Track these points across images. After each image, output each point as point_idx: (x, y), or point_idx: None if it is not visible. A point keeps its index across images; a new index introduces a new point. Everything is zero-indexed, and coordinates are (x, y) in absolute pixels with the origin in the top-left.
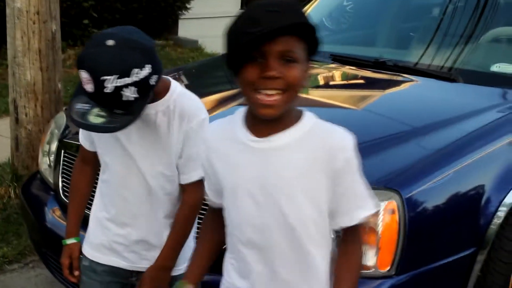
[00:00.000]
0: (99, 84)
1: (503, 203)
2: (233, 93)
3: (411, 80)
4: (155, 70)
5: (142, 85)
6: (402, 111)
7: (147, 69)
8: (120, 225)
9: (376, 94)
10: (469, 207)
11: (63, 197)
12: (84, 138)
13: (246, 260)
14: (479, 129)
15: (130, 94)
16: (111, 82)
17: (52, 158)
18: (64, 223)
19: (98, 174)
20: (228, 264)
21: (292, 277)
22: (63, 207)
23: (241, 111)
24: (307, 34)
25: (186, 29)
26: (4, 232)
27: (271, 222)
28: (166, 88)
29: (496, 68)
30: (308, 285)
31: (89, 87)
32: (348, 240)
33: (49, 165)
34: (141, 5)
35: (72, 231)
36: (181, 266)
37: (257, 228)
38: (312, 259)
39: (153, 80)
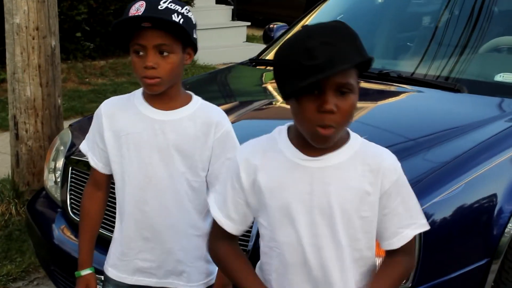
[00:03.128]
0: (154, 2)
1: None
2: (231, 106)
3: (417, 91)
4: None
5: (188, 24)
6: (411, 123)
7: (193, 19)
8: (142, 241)
9: (383, 106)
10: (481, 217)
11: (71, 215)
12: (98, 160)
13: (289, 277)
14: (489, 139)
15: (178, 19)
16: (165, 2)
17: (57, 175)
18: (73, 240)
19: (110, 199)
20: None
21: None
22: (72, 224)
23: (283, 129)
24: (363, 65)
25: None
26: (7, 249)
27: (322, 242)
28: (189, 97)
29: (500, 77)
30: None
31: (142, 8)
32: (396, 254)
33: (55, 182)
34: None
35: (85, 262)
36: (201, 281)
37: (306, 247)
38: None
39: (195, 35)
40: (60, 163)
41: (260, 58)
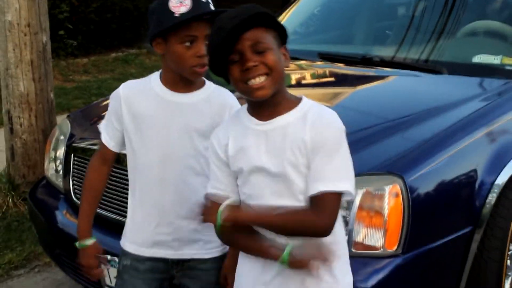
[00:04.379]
0: None
1: (495, 184)
2: None
3: (401, 74)
4: None
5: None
6: (398, 102)
7: None
8: (160, 215)
9: (368, 89)
10: (464, 189)
11: (75, 200)
12: (109, 138)
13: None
14: (470, 115)
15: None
16: None
17: (58, 163)
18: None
19: (112, 175)
20: None
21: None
22: (75, 209)
23: (244, 106)
24: (270, 22)
25: None
26: (7, 239)
27: (283, 194)
28: (202, 81)
29: (478, 59)
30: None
31: (188, 2)
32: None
33: (56, 171)
34: (114, 15)
35: (87, 231)
36: (216, 248)
37: (270, 201)
38: None
39: None
40: (60, 152)
41: None
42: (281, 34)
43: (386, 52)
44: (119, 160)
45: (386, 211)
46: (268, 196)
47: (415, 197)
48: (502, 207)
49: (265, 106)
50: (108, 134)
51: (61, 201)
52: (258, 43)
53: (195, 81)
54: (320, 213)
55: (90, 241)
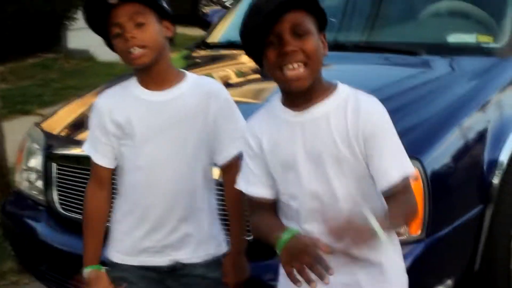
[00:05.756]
0: None
1: (498, 161)
2: None
3: (375, 57)
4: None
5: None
6: (392, 85)
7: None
8: (151, 221)
9: (367, 71)
10: (474, 167)
11: (61, 211)
12: (101, 156)
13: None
14: (465, 94)
15: None
16: None
17: (33, 174)
18: (64, 235)
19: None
20: None
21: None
22: (62, 221)
23: (277, 96)
24: (311, 6)
25: (75, 39)
26: None
27: (333, 186)
28: (182, 74)
29: (453, 39)
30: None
31: None
32: (396, 195)
33: (31, 182)
34: (30, 20)
35: (94, 259)
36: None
37: (313, 194)
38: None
39: (165, 5)
40: (35, 162)
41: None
42: (320, 20)
43: (357, 36)
44: None
45: None
46: (307, 193)
47: (432, 179)
48: (507, 184)
49: (300, 95)
50: (98, 152)
51: (42, 214)
52: (298, 25)
53: (164, 74)
54: (411, 195)
55: (94, 268)
